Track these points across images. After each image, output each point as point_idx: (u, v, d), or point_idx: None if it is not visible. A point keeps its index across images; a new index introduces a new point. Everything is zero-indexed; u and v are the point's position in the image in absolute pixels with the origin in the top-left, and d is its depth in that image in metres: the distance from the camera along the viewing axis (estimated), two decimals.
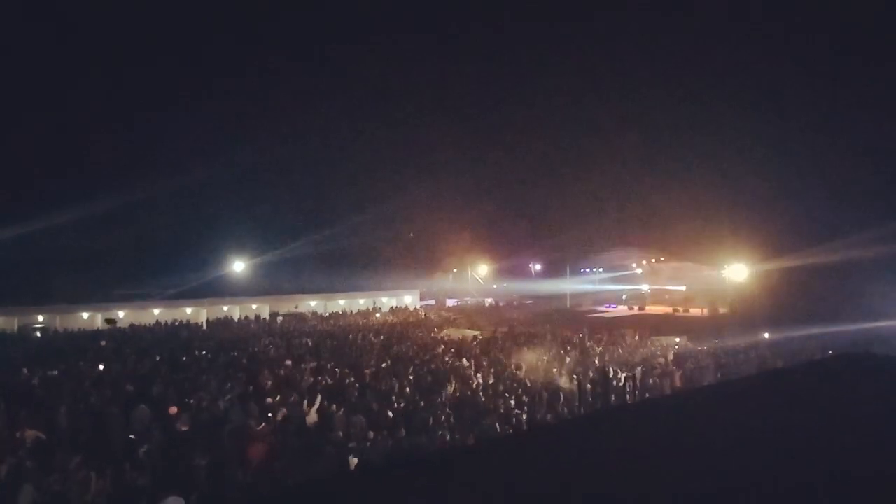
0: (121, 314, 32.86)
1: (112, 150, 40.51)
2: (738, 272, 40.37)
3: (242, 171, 43.07)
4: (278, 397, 12.18)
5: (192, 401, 11.76)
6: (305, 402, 11.68)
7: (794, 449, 2.38)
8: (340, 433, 9.78)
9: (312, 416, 10.85)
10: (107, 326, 25.42)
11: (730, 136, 40.06)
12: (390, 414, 11.29)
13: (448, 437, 10.01)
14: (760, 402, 3.49)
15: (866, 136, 32.77)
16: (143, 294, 36.13)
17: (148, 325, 29.25)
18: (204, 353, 19.32)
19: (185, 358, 18.23)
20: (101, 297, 34.16)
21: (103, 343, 21.94)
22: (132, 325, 28.71)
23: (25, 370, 15.13)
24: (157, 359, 17.76)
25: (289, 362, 16.86)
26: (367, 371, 15.79)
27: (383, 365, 16.88)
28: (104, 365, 16.58)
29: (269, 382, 14.03)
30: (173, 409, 10.84)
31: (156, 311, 33.81)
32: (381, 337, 24.49)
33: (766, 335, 26.57)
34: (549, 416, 12.26)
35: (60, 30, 35.26)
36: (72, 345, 21.60)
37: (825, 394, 3.72)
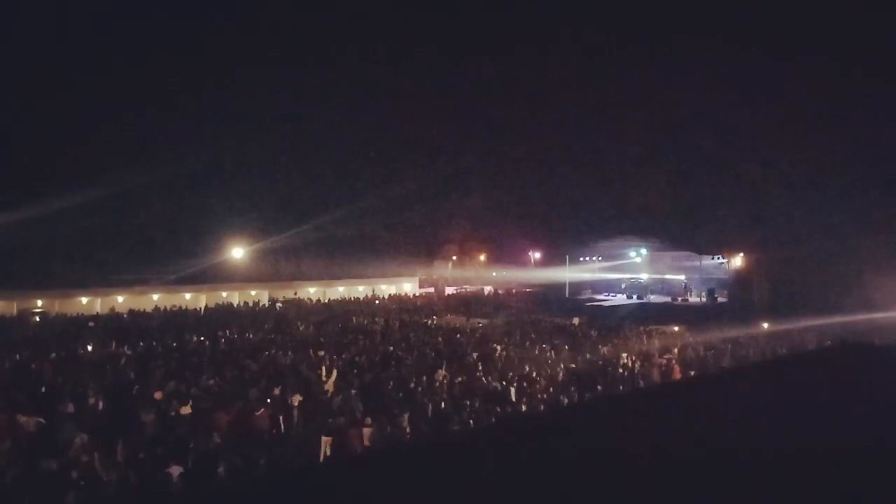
0: (120, 299, 32.86)
1: (113, 134, 40.34)
2: (737, 261, 40.37)
3: (243, 156, 42.93)
4: (278, 383, 12.22)
5: (192, 389, 11.81)
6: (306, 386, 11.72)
7: (793, 439, 2.38)
8: (341, 419, 9.81)
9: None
10: None
11: (730, 126, 39.92)
12: (390, 400, 11.32)
13: (448, 424, 10.05)
14: (759, 391, 3.48)
15: (865, 127, 32.68)
16: (143, 279, 36.07)
17: (147, 310, 29.29)
18: (202, 338, 19.39)
19: (184, 344, 18.31)
20: (100, 282, 34.11)
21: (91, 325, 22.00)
22: (131, 311, 28.74)
23: (23, 354, 15.17)
24: (155, 344, 17.82)
25: (289, 350, 16.90)
26: (367, 358, 15.85)
27: (384, 354, 16.92)
28: (103, 349, 16.65)
29: (270, 368, 14.09)
30: (170, 385, 10.94)
31: (155, 297, 33.80)
32: (381, 323, 24.56)
33: (766, 324, 26.62)
34: (545, 405, 12.31)
35: (58, 16, 34.99)
36: (70, 329, 21.62)
37: (824, 384, 3.71)
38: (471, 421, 10.25)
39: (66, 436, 7.97)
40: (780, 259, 34.62)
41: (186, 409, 10.07)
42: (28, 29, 33.81)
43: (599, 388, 13.91)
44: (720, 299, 41.05)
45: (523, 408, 11.83)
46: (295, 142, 45.34)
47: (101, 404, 10.44)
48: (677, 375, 15.75)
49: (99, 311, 30.44)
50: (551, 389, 13.53)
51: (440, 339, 20.24)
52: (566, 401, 12.81)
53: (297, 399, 11.04)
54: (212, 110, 41.90)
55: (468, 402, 11.42)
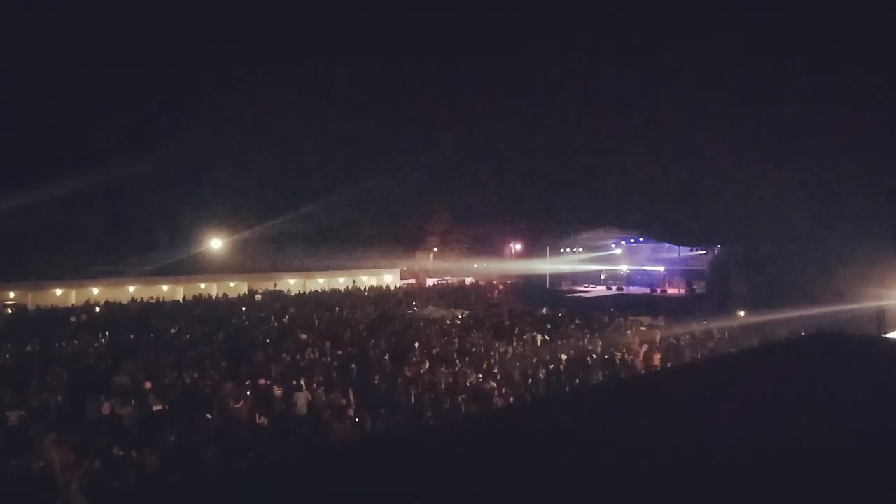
0: (95, 291, 32.37)
1: (88, 125, 39.54)
2: (715, 253, 40.92)
3: (221, 146, 42.31)
4: (257, 376, 12.11)
5: (168, 380, 11.66)
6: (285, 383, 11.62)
7: (769, 427, 2.39)
8: (319, 411, 9.75)
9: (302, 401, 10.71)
10: None
11: (709, 120, 40.31)
12: (371, 393, 11.29)
13: (427, 416, 10.05)
14: (735, 381, 3.50)
15: (840, 123, 33.16)
16: (119, 271, 35.51)
17: (123, 302, 28.89)
18: (180, 330, 19.16)
19: (161, 336, 18.07)
20: (75, 274, 33.55)
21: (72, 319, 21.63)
22: (107, 303, 28.32)
23: None
24: (132, 337, 17.57)
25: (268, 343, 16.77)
26: (348, 350, 15.79)
27: (365, 346, 16.86)
28: (78, 342, 16.37)
29: (248, 362, 13.96)
30: (147, 385, 10.77)
31: (131, 289, 33.36)
32: (362, 315, 24.49)
33: (742, 315, 27.02)
34: (526, 396, 12.36)
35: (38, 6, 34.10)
36: (45, 322, 21.24)
37: (799, 373, 3.75)
38: (450, 413, 10.26)
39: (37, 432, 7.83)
40: (757, 251, 35.13)
41: (158, 407, 9.93)
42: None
43: (578, 378, 14.00)
44: (698, 290, 41.63)
45: (500, 400, 11.86)
46: (274, 132, 44.84)
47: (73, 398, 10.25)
48: (656, 365, 15.91)
49: (74, 303, 29.94)
50: (530, 381, 13.59)
51: (420, 331, 20.21)
52: (545, 392, 12.90)
53: (278, 391, 10.95)
54: (189, 100, 41.26)
55: (448, 395, 11.42)
